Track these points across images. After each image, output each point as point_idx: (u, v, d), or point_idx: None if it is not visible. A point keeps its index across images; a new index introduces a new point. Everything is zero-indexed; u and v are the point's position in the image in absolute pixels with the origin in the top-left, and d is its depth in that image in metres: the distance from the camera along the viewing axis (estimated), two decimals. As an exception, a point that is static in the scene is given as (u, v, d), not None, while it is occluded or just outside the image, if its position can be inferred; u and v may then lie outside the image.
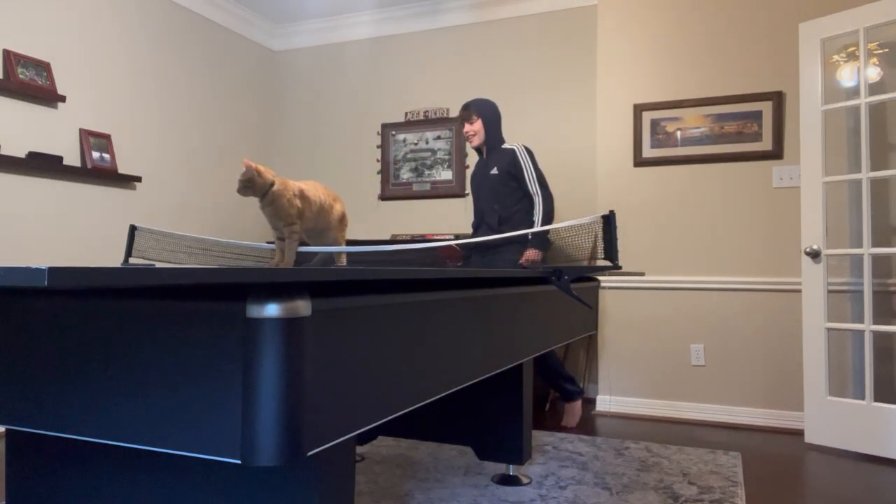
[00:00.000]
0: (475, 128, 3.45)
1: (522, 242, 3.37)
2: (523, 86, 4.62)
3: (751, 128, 3.69)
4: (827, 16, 3.26)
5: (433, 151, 4.86)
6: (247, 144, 5.11)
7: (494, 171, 3.41)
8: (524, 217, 3.39)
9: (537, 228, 2.37)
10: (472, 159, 4.75)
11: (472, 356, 1.61)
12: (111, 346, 1.06)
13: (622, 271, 3.47)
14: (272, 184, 2.06)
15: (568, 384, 3.53)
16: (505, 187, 3.39)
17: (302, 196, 2.15)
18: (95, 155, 3.82)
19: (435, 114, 4.86)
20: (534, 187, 3.36)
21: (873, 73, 3.42)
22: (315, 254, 2.42)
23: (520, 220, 3.39)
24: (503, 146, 3.46)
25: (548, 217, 3.34)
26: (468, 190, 4.75)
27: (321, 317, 1.01)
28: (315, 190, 2.21)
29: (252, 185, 2.03)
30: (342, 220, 2.33)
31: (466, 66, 4.79)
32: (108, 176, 3.88)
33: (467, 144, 4.76)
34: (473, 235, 3.57)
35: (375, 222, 5.04)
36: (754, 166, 3.68)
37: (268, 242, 2.60)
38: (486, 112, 3.46)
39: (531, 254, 3.33)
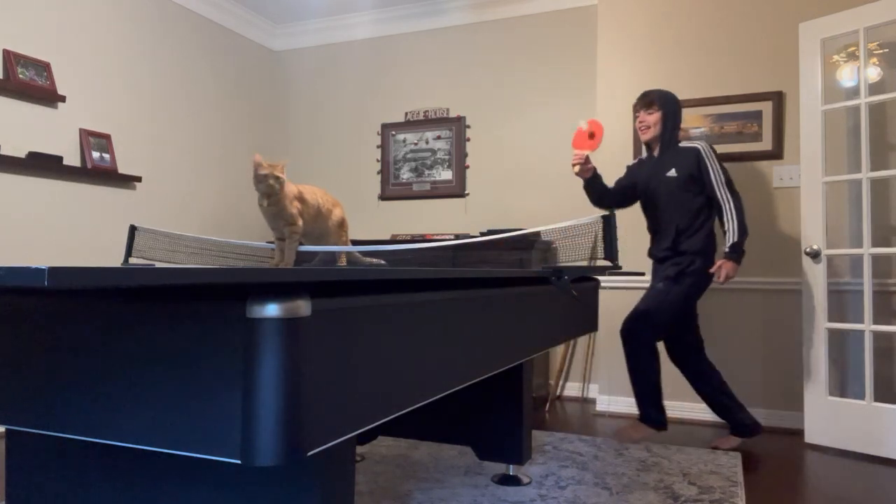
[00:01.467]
0: (653, 119, 3.09)
1: (699, 253, 3.04)
2: (523, 85, 4.62)
3: (751, 128, 3.69)
4: (827, 16, 3.26)
5: (433, 151, 4.86)
6: (247, 144, 5.11)
7: (672, 172, 3.05)
8: (711, 230, 3.06)
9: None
10: (473, 159, 4.75)
11: (472, 356, 1.61)
12: (111, 346, 1.06)
13: (622, 271, 3.47)
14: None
15: (746, 417, 3.12)
16: (685, 193, 3.03)
17: (300, 198, 2.17)
18: (95, 155, 3.82)
19: (435, 114, 4.86)
20: (722, 192, 2.97)
21: (873, 73, 3.42)
22: (316, 254, 2.42)
23: (707, 234, 3.05)
24: (681, 145, 3.10)
25: (743, 227, 2.94)
26: (468, 190, 4.75)
27: (321, 317, 1.01)
28: (313, 194, 2.23)
29: (279, 184, 2.05)
30: (342, 225, 2.33)
31: (466, 66, 4.79)
32: (108, 176, 3.88)
33: (468, 144, 4.76)
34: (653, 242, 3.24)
35: (375, 222, 5.04)
36: (754, 166, 3.68)
37: (268, 242, 2.60)
38: (670, 105, 3.10)
39: (729, 268, 2.95)
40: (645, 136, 3.15)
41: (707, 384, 3.14)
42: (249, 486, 1.20)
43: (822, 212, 3.21)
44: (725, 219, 2.97)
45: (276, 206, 2.08)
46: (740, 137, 3.70)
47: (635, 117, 3.22)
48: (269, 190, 2.05)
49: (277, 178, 2.04)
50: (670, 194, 3.07)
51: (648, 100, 3.11)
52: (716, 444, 3.16)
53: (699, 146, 3.04)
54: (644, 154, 3.30)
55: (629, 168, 3.35)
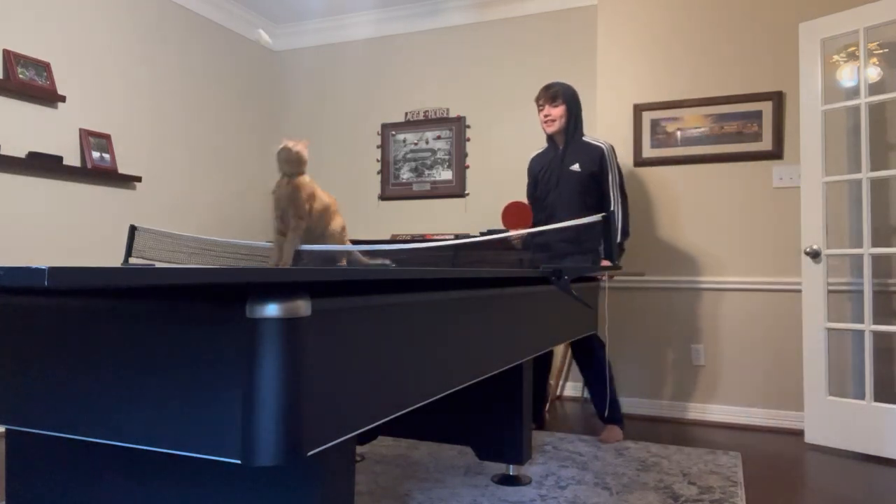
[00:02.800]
0: (557, 112, 3.15)
1: (591, 251, 3.14)
2: (523, 85, 4.62)
3: (751, 128, 3.69)
4: (827, 16, 3.26)
5: (433, 151, 4.86)
6: (247, 144, 5.11)
7: (576, 167, 3.14)
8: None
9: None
10: (473, 159, 4.75)
11: (472, 356, 1.61)
12: (111, 346, 1.06)
13: (622, 271, 3.46)
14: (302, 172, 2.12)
15: (617, 408, 3.24)
16: (586, 188, 3.15)
17: (313, 195, 2.18)
18: (95, 155, 3.82)
19: (435, 114, 4.86)
20: (615, 193, 3.12)
21: (873, 73, 3.42)
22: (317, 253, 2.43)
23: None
24: (585, 139, 3.20)
25: (626, 229, 3.13)
26: (468, 190, 4.75)
27: (321, 317, 1.01)
28: (321, 193, 2.25)
29: (300, 162, 2.07)
30: (343, 231, 2.36)
31: (466, 66, 4.79)
32: (108, 176, 3.88)
33: (468, 144, 4.76)
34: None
35: (375, 222, 5.04)
36: (754, 166, 3.68)
37: (268, 242, 2.60)
38: (573, 99, 3.18)
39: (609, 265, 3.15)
40: (550, 129, 3.19)
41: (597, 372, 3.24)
42: (249, 486, 1.20)
43: (822, 212, 3.21)
44: (612, 218, 3.11)
45: (293, 191, 2.08)
46: (740, 137, 3.70)
47: (539, 110, 3.23)
48: (289, 157, 2.07)
49: (291, 149, 2.07)
50: (571, 188, 3.15)
51: (552, 93, 3.15)
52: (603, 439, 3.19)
53: (604, 147, 3.16)
54: (545, 147, 3.35)
55: (530, 167, 3.40)
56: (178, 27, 4.50)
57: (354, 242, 4.43)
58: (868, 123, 3.09)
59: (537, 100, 3.24)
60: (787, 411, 3.57)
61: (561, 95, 3.15)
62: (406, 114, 4.95)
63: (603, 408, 3.24)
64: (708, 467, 2.80)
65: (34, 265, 0.68)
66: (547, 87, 3.18)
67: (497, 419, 2.48)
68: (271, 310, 0.93)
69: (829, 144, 3.46)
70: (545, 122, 3.20)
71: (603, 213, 2.45)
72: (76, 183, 3.75)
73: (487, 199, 4.69)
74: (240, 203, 5.02)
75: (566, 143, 3.21)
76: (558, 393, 4.36)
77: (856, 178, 3.14)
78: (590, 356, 3.26)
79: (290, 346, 0.94)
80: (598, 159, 3.13)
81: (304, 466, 1.13)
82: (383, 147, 5.01)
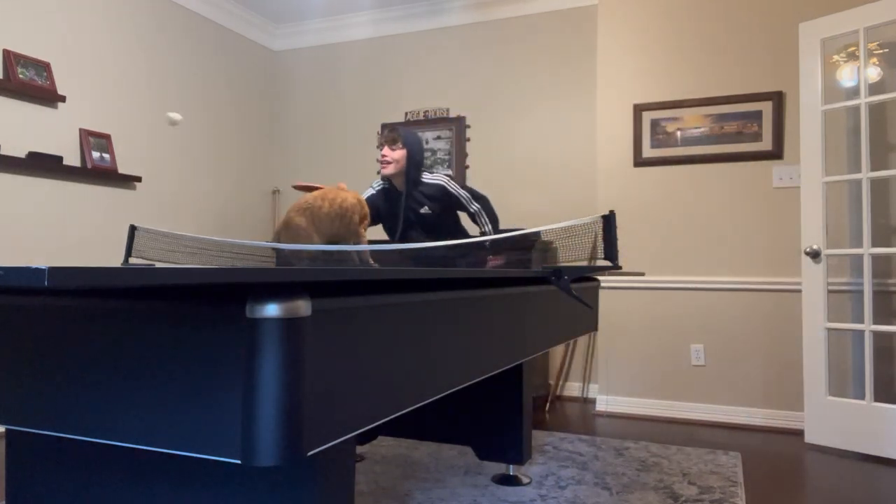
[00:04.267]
0: (396, 155, 3.09)
1: (473, 253, 3.20)
2: (523, 86, 4.62)
3: (751, 128, 3.69)
4: (827, 16, 3.26)
5: (433, 151, 4.86)
6: (247, 144, 5.11)
7: (426, 209, 3.14)
8: (464, 232, 3.29)
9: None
10: (473, 159, 4.75)
11: (472, 356, 1.61)
12: (110, 346, 1.06)
13: (622, 271, 3.46)
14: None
15: None
16: (446, 219, 3.19)
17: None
18: (95, 155, 3.82)
19: (435, 114, 4.86)
20: (472, 205, 3.14)
21: (873, 73, 3.42)
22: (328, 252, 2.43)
23: (463, 237, 3.25)
24: (424, 179, 3.17)
25: (494, 219, 3.17)
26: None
27: (321, 317, 1.01)
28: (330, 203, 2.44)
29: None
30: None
31: (466, 66, 4.79)
32: (108, 176, 3.88)
33: (468, 144, 4.76)
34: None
35: (375, 222, 5.04)
36: (754, 166, 3.68)
37: (268, 243, 2.60)
38: (414, 145, 3.13)
39: (495, 260, 3.15)
40: (386, 171, 3.13)
41: None
42: (249, 486, 1.20)
43: (822, 212, 3.21)
44: (481, 223, 3.16)
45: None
46: (740, 137, 3.70)
47: (379, 148, 3.22)
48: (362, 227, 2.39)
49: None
50: (430, 228, 3.20)
51: (394, 136, 3.11)
52: None
53: (442, 182, 3.13)
54: (379, 183, 3.28)
55: (372, 203, 3.24)
56: (178, 27, 4.49)
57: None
58: (868, 123, 3.10)
59: (379, 138, 3.27)
60: (787, 411, 3.57)
61: (402, 140, 3.10)
62: (406, 114, 4.95)
63: None
64: (708, 467, 2.80)
65: (34, 265, 0.68)
66: (390, 129, 3.15)
67: (497, 419, 2.48)
68: (271, 310, 0.93)
69: (829, 144, 3.46)
70: (381, 162, 3.14)
71: (603, 214, 2.45)
72: (76, 183, 3.75)
73: (487, 199, 4.69)
74: (240, 203, 5.02)
75: (408, 188, 3.14)
76: (558, 393, 4.36)
77: (856, 178, 3.14)
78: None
79: (290, 347, 0.94)
80: (442, 194, 3.12)
81: (304, 466, 1.13)
82: (383, 147, 5.01)
